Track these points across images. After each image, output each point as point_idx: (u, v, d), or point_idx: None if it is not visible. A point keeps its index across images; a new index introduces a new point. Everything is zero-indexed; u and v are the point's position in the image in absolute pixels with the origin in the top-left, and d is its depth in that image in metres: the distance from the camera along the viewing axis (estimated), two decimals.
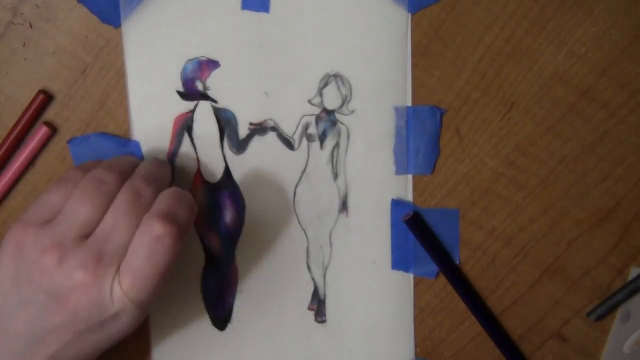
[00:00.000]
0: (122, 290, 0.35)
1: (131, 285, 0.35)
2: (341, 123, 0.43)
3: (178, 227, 0.36)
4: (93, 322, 0.36)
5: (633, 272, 0.45)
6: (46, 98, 0.42)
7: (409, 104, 0.43)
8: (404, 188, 0.44)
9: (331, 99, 0.43)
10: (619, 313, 0.45)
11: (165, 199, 0.37)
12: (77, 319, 0.35)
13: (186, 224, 0.37)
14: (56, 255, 0.35)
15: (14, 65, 0.42)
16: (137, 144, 0.43)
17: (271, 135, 0.43)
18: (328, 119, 0.43)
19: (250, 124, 0.43)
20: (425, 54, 0.43)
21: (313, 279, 0.45)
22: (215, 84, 0.43)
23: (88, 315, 0.35)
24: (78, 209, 0.36)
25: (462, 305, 0.45)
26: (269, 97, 0.43)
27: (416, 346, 0.46)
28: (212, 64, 0.42)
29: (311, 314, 0.45)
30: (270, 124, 0.43)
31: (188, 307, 0.45)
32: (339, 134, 0.44)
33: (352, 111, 0.43)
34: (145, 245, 0.35)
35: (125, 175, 0.38)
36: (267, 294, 0.45)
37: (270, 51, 0.42)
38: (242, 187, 0.44)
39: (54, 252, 0.35)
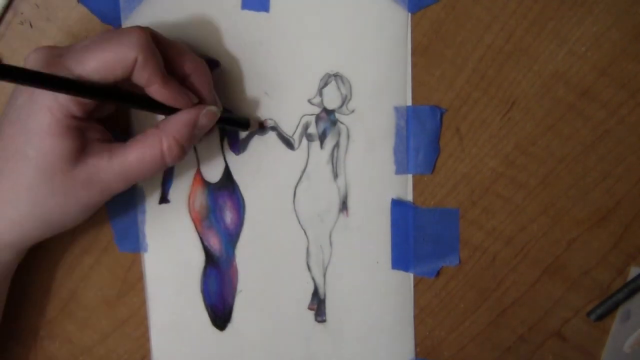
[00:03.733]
0: None
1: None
2: (341, 123, 0.43)
3: None
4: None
5: (633, 272, 0.45)
6: None
7: (409, 103, 0.43)
8: (404, 188, 0.44)
9: (331, 99, 0.43)
10: (619, 313, 0.45)
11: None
12: None
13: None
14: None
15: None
16: None
17: (271, 135, 0.43)
18: (328, 118, 0.43)
19: None
20: (425, 53, 0.43)
21: (313, 279, 0.45)
22: (215, 83, 0.43)
23: None
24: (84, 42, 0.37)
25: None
26: (269, 97, 0.43)
27: (416, 346, 0.46)
28: (212, 64, 0.42)
29: (311, 314, 0.45)
30: (270, 123, 0.43)
31: (188, 307, 0.45)
32: (339, 134, 0.44)
33: (352, 111, 0.43)
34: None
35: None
36: (267, 294, 0.45)
37: (270, 51, 0.43)
38: (242, 187, 0.44)
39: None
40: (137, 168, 0.37)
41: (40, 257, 0.45)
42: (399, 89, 0.43)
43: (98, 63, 0.35)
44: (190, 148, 0.39)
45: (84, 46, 0.36)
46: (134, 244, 0.45)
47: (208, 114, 0.39)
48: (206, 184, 0.44)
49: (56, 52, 0.36)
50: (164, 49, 0.37)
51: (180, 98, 0.37)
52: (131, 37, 0.35)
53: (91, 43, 0.36)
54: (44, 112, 0.35)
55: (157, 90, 0.36)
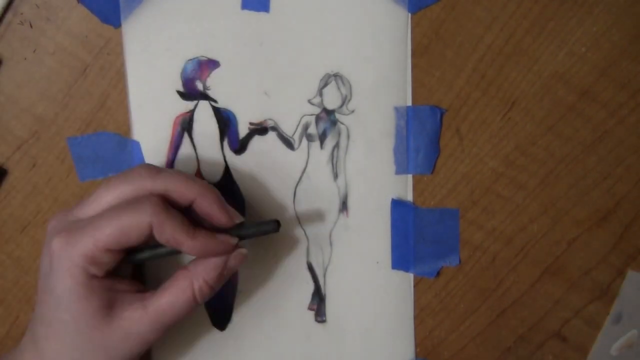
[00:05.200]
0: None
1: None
2: (341, 123, 0.43)
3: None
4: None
5: (630, 276, 0.45)
6: None
7: (409, 103, 0.43)
8: (404, 188, 0.44)
9: (331, 99, 0.43)
10: (611, 314, 0.45)
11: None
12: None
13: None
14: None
15: (14, 65, 0.42)
16: (137, 144, 0.43)
17: (271, 135, 0.43)
18: (328, 118, 0.43)
19: (250, 123, 0.43)
20: (425, 54, 0.43)
21: (313, 279, 0.45)
22: (215, 83, 0.43)
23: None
24: (99, 191, 0.38)
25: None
26: (269, 97, 0.43)
27: (416, 346, 0.46)
28: (212, 64, 0.42)
29: (311, 314, 0.45)
30: (270, 123, 0.43)
31: None
32: (339, 134, 0.44)
33: (352, 111, 0.43)
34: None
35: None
36: (267, 294, 0.45)
37: (270, 51, 0.43)
38: (242, 187, 0.44)
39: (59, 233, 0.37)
40: (171, 313, 0.38)
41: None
42: (399, 89, 0.43)
43: (112, 229, 0.36)
44: (220, 287, 0.40)
45: (100, 215, 0.37)
46: None
47: (238, 256, 0.39)
48: None
49: (71, 218, 0.38)
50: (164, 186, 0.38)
51: (213, 249, 0.38)
52: (143, 204, 0.36)
53: (106, 211, 0.37)
54: (66, 277, 0.36)
55: (188, 248, 0.37)
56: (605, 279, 0.45)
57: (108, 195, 0.37)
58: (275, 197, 0.44)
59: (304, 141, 0.44)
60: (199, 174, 0.44)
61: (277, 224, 0.39)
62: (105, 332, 0.37)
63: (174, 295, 0.38)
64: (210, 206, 0.38)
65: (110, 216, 0.36)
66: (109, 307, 0.37)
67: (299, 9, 0.42)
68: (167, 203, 0.37)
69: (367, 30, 0.42)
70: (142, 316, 0.37)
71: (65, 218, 0.38)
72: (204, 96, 0.43)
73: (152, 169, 0.38)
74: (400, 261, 0.45)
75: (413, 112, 0.43)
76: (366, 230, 0.44)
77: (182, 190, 0.38)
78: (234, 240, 0.39)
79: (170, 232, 0.36)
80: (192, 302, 0.38)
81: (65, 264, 0.36)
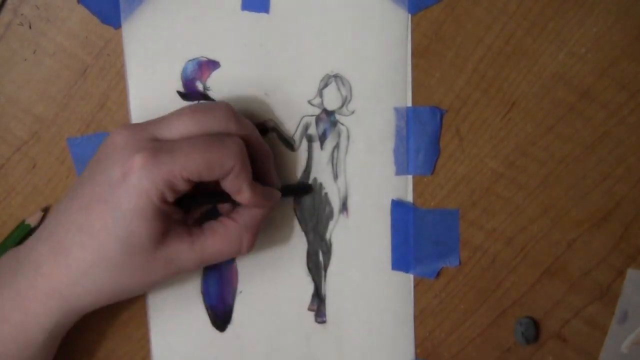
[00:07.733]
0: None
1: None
2: (341, 124, 0.43)
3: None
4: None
5: (630, 274, 0.45)
6: None
7: (409, 104, 0.43)
8: (404, 189, 0.44)
9: (331, 100, 0.43)
10: (616, 314, 0.45)
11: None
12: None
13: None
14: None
15: (14, 66, 0.42)
16: None
17: (271, 136, 0.43)
18: (328, 119, 0.43)
19: None
20: (425, 54, 0.43)
21: (313, 280, 0.45)
22: (215, 84, 0.43)
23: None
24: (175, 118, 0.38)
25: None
26: (269, 97, 0.43)
27: (416, 347, 0.46)
28: (213, 65, 0.42)
29: (311, 314, 0.45)
30: (271, 124, 0.43)
31: (188, 307, 0.45)
32: (339, 135, 0.44)
33: (352, 112, 0.43)
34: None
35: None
36: (267, 294, 0.45)
37: (270, 51, 0.43)
38: None
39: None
40: (216, 258, 0.39)
41: None
42: (399, 90, 0.43)
43: (201, 161, 0.36)
44: None
45: (187, 142, 0.36)
46: None
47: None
48: None
49: (147, 135, 0.37)
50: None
51: (264, 201, 0.39)
52: (233, 145, 0.37)
53: (193, 140, 0.36)
54: (141, 196, 0.36)
55: (245, 198, 0.38)
56: (605, 279, 0.45)
57: (192, 125, 0.37)
58: None
59: (304, 142, 0.44)
60: None
61: (310, 186, 0.44)
62: (151, 255, 0.37)
63: (224, 243, 0.39)
64: (269, 165, 0.40)
65: (200, 147, 0.36)
66: (164, 233, 0.37)
67: (298, 9, 0.42)
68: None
69: (367, 30, 0.42)
70: (187, 251, 0.38)
71: (140, 134, 0.36)
72: (204, 97, 0.43)
73: (235, 112, 0.39)
74: (400, 262, 0.45)
75: (413, 113, 0.43)
76: (366, 231, 0.44)
77: (261, 142, 0.39)
78: (279, 193, 0.41)
79: (242, 180, 0.37)
80: (237, 252, 0.39)
81: (145, 183, 0.35)
